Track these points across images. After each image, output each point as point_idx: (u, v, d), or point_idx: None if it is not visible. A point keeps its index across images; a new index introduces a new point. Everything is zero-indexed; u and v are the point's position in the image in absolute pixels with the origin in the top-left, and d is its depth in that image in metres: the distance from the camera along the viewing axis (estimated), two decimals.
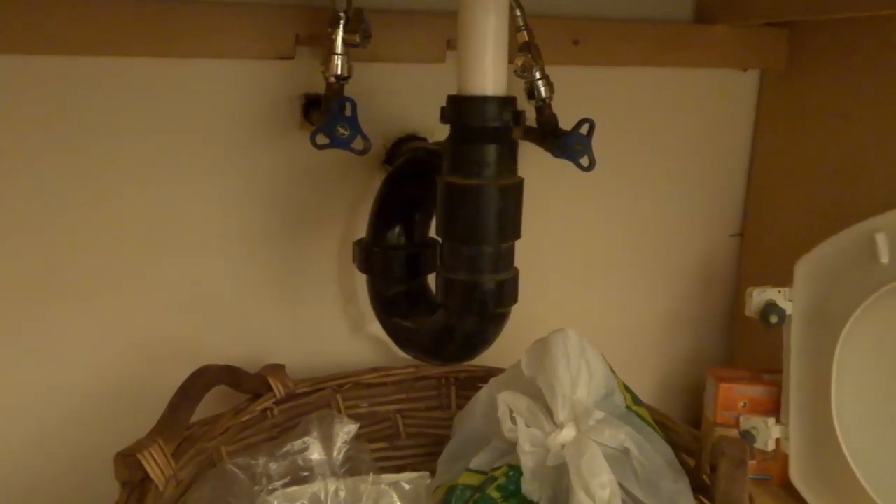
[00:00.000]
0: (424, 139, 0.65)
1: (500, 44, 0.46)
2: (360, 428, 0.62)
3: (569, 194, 0.73)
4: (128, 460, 0.47)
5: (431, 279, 0.56)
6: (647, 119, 0.74)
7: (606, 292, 0.78)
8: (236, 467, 0.55)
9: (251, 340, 0.66)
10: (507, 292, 0.50)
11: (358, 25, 0.55)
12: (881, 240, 0.60)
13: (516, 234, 0.50)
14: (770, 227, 0.79)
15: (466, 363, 0.62)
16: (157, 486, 0.48)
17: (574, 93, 0.63)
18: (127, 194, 0.59)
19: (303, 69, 0.61)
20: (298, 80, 0.62)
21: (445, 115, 0.49)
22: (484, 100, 0.47)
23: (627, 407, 0.54)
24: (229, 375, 0.58)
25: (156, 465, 0.48)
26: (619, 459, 0.50)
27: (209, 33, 0.57)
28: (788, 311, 0.66)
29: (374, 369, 0.66)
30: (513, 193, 0.48)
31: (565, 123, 0.58)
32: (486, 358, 0.63)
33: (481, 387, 0.62)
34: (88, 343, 0.61)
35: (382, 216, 0.55)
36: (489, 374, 0.63)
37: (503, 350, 0.59)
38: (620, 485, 0.49)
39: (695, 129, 0.76)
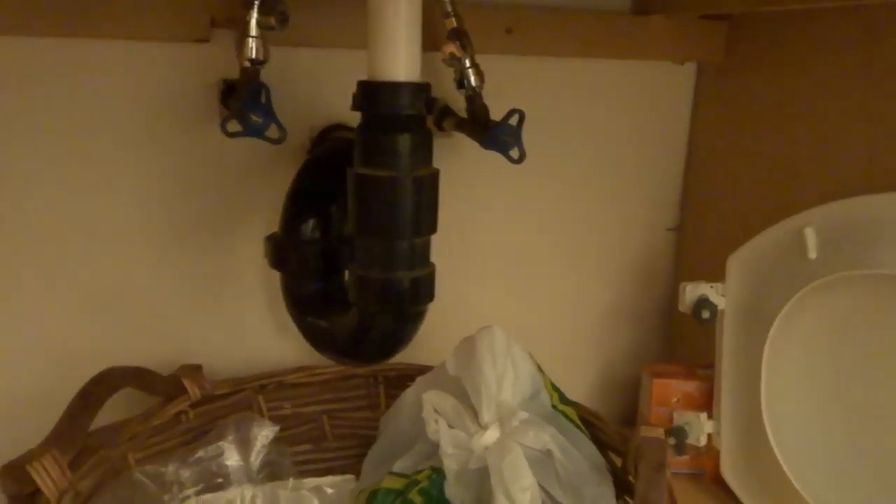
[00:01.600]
0: (351, 129, 0.62)
1: (413, 26, 0.44)
2: (284, 430, 0.60)
3: (500, 187, 0.71)
4: (16, 472, 0.44)
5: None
6: (582, 111, 0.73)
7: (542, 288, 0.77)
8: (143, 475, 0.52)
9: (168, 341, 0.63)
10: (423, 290, 0.48)
11: (273, 7, 0.52)
12: (810, 235, 0.60)
13: (432, 228, 0.48)
14: (707, 221, 0.79)
15: (396, 361, 0.59)
16: (48, 500, 0.44)
17: (507, 83, 0.62)
18: (27, 186, 0.56)
19: (220, 53, 0.58)
20: (215, 65, 0.58)
21: (356, 102, 0.46)
22: (396, 86, 0.44)
23: (554, 406, 0.53)
24: (137, 377, 0.55)
25: (48, 476, 0.45)
26: (542, 462, 0.48)
27: (117, 12, 0.54)
28: (721, 307, 0.66)
29: (300, 368, 0.64)
30: (428, 185, 0.46)
31: (498, 115, 0.57)
32: (418, 356, 0.61)
33: (411, 386, 0.60)
34: None
35: (296, 209, 0.52)
36: (420, 372, 0.61)
37: (435, 347, 0.57)
38: (543, 488, 0.47)
39: (631, 123, 0.75)
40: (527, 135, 0.56)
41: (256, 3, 0.51)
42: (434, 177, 0.47)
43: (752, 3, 0.66)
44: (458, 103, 0.58)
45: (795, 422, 0.63)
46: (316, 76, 0.62)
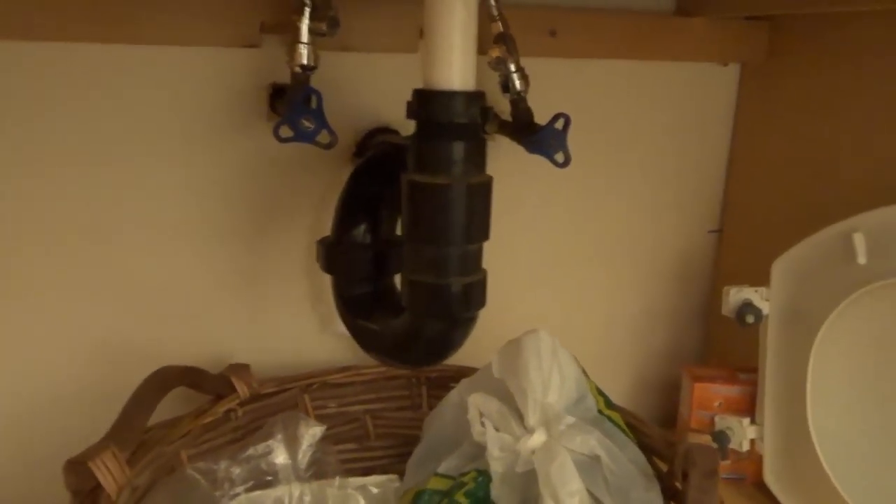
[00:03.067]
0: (396, 132, 0.63)
1: (468, 35, 0.44)
2: (329, 429, 0.60)
3: (544, 190, 0.71)
4: (78, 468, 0.45)
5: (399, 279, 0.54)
6: (624, 113, 0.73)
7: (582, 290, 0.77)
8: (196, 472, 0.53)
9: (215, 340, 0.64)
10: (474, 296, 0.48)
11: (325, 13, 0.52)
12: (859, 240, 0.59)
13: (484, 234, 0.48)
14: (749, 223, 0.78)
15: None
16: (109, 495, 0.46)
17: (550, 86, 0.62)
18: (84, 187, 0.57)
19: (269, 58, 0.59)
20: (265, 69, 0.59)
21: (411, 110, 0.47)
22: (451, 94, 0.45)
23: (599, 411, 0.53)
24: (189, 376, 0.56)
25: (108, 472, 0.46)
26: (589, 466, 0.48)
27: (169, 18, 0.55)
28: (765, 311, 0.65)
29: (344, 368, 0.65)
30: (481, 193, 0.47)
31: (541, 117, 0.57)
32: (459, 357, 0.61)
33: (453, 387, 0.60)
34: (39, 345, 0.58)
35: (347, 213, 0.52)
36: (461, 373, 0.62)
37: (476, 349, 0.57)
38: (590, 493, 0.47)
39: (674, 124, 0.75)
40: (569, 136, 0.56)
41: (307, 9, 0.52)
42: (487, 184, 0.47)
43: (796, 4, 0.65)
44: (500, 105, 0.58)
45: (840, 428, 0.62)
46: (361, 80, 0.63)
